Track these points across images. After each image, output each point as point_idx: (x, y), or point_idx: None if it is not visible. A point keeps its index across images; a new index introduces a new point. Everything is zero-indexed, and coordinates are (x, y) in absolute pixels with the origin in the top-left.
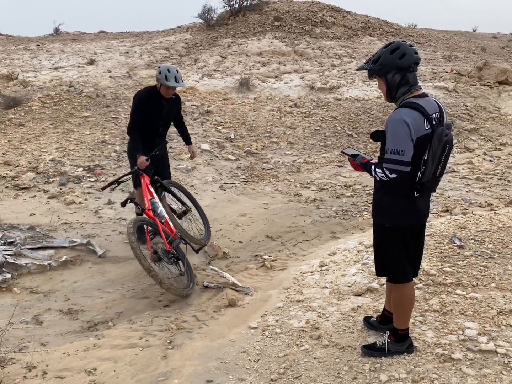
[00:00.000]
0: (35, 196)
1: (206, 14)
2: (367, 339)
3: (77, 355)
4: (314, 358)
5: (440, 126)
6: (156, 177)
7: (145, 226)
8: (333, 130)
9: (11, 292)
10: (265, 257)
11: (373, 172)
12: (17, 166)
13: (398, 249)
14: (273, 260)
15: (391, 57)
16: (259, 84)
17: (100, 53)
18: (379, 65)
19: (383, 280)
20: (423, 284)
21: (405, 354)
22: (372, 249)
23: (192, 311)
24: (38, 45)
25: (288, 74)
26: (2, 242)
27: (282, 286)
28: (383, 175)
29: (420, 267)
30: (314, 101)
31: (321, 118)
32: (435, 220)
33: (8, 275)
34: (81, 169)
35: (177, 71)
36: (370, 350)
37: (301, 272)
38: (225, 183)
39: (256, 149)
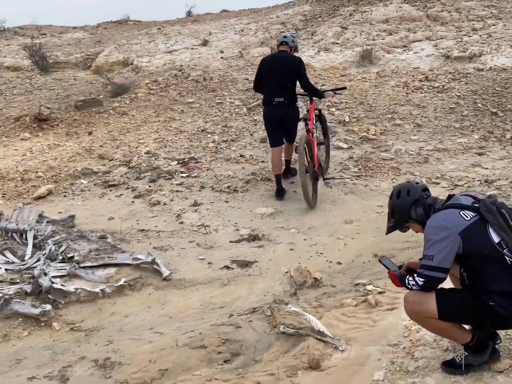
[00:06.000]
0: (121, 195)
1: None
2: None
3: None
4: None
5: (480, 203)
6: (318, 108)
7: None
8: (473, 108)
9: (50, 329)
10: (370, 287)
11: (406, 282)
12: (111, 160)
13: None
14: (380, 293)
15: (400, 200)
16: (383, 56)
17: (215, 33)
18: (398, 214)
19: None
20: None
21: None
22: None
23: (259, 374)
24: (159, 28)
25: (419, 43)
26: (61, 257)
27: (386, 340)
28: (413, 282)
29: None
30: (449, 72)
31: (458, 94)
32: None
33: (48, 307)
34: (175, 162)
35: None
36: (450, 368)
37: None
38: (332, 177)
39: (374, 134)
